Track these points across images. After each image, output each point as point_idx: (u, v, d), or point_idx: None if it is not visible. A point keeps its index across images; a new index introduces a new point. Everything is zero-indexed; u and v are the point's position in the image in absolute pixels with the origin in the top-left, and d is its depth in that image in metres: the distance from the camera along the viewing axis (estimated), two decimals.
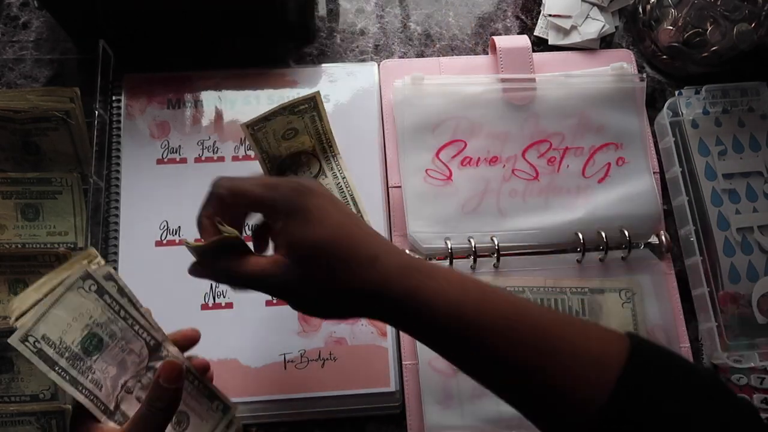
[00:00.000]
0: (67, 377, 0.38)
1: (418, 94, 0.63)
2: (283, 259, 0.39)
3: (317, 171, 0.63)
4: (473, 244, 0.59)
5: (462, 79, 0.65)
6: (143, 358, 0.41)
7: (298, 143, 0.63)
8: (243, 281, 0.40)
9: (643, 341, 0.38)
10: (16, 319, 0.37)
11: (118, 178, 0.62)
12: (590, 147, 0.64)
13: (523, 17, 0.71)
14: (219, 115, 0.65)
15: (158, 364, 0.41)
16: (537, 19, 0.70)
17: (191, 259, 0.60)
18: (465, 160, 0.63)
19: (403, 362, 0.58)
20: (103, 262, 0.39)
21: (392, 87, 0.64)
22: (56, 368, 0.37)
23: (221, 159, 0.63)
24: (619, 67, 0.66)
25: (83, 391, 0.38)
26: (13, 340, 0.36)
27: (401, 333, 0.59)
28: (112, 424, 0.39)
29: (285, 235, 0.39)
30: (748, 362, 0.57)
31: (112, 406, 0.40)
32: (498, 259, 0.59)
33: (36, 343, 0.36)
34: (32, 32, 0.68)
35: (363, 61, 0.68)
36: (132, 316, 0.40)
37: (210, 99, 0.65)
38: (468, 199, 0.62)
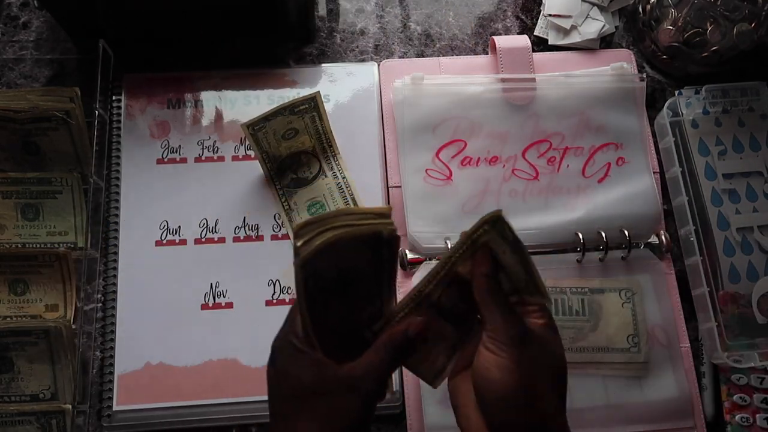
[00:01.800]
0: (310, 305, 0.38)
1: (418, 94, 0.63)
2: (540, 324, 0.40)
3: (317, 171, 0.63)
4: None
5: (462, 79, 0.65)
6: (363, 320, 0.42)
7: (298, 143, 0.63)
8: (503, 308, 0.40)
9: None
10: (303, 244, 0.36)
11: (118, 178, 0.62)
12: (590, 147, 0.64)
13: (523, 17, 0.71)
14: (219, 115, 0.65)
15: (367, 333, 0.42)
16: (537, 19, 0.70)
17: (190, 258, 0.60)
18: (465, 160, 0.63)
19: None
20: (396, 230, 0.39)
21: (392, 87, 0.64)
22: (308, 295, 0.37)
23: (221, 159, 0.63)
24: (619, 67, 0.66)
25: (314, 317, 0.39)
26: (296, 264, 0.36)
27: None
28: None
29: (477, 362, 0.39)
30: (748, 362, 0.57)
31: (326, 341, 0.39)
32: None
33: (308, 271, 0.37)
34: (32, 32, 0.68)
35: (363, 61, 0.68)
36: (383, 282, 0.41)
37: (210, 99, 0.65)
38: (468, 199, 0.62)
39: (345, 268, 0.39)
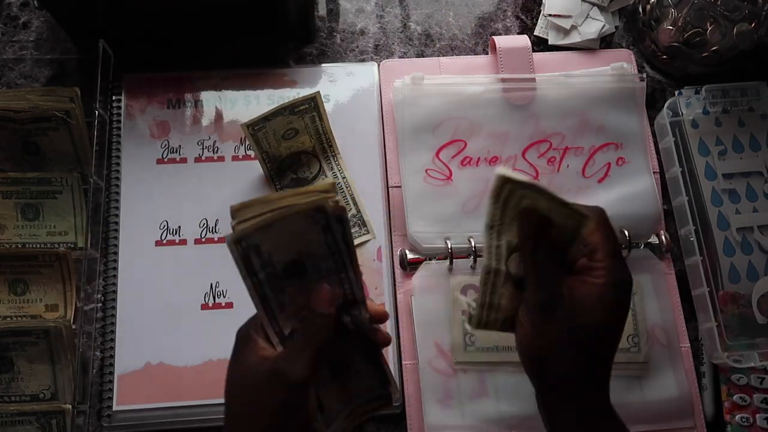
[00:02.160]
0: (259, 290, 0.38)
1: (418, 94, 0.63)
2: (594, 283, 0.41)
3: (317, 171, 0.63)
4: (473, 244, 0.59)
5: (462, 79, 0.65)
6: (299, 304, 0.40)
7: (298, 143, 0.63)
8: (549, 271, 0.41)
9: None
10: (238, 223, 0.36)
11: (118, 178, 0.62)
12: (590, 147, 0.64)
13: (523, 17, 0.71)
14: (219, 115, 0.65)
15: (347, 319, 0.41)
16: (537, 19, 0.70)
17: (190, 258, 0.60)
18: (465, 160, 0.63)
19: (403, 362, 0.58)
20: (341, 202, 0.37)
21: (392, 87, 0.64)
22: (253, 277, 0.37)
23: (221, 159, 0.63)
24: (619, 67, 0.66)
25: (266, 307, 0.38)
26: (228, 239, 0.36)
27: (400, 332, 0.59)
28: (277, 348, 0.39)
29: (613, 272, 0.41)
30: (748, 362, 0.57)
31: (286, 332, 0.39)
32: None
33: (246, 249, 0.36)
34: (32, 32, 0.68)
35: (363, 61, 0.68)
36: (344, 263, 0.39)
37: (210, 99, 0.65)
38: (468, 199, 0.62)
39: (296, 251, 0.38)
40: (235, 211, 0.37)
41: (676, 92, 0.65)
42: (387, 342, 0.43)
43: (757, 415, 0.57)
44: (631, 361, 0.58)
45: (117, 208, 0.61)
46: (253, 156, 0.63)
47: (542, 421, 0.43)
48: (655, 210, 0.62)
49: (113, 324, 0.58)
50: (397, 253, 0.61)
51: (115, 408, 0.56)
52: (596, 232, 0.42)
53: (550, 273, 0.41)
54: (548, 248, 0.41)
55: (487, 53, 0.69)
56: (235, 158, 0.63)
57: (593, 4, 0.69)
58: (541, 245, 0.41)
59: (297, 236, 0.37)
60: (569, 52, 0.68)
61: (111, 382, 0.57)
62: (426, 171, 0.62)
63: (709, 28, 0.64)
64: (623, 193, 0.62)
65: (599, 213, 0.43)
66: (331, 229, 0.37)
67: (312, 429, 0.38)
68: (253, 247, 0.36)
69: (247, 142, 0.63)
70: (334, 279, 0.40)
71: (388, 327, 0.59)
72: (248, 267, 0.37)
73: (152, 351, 0.57)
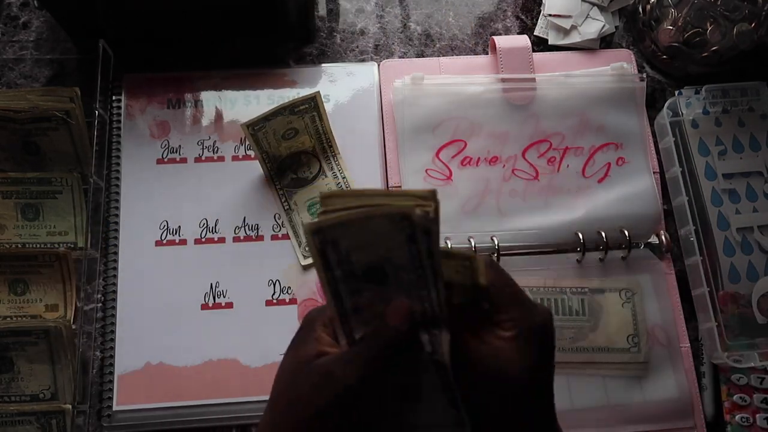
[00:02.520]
0: (332, 286, 0.35)
1: (418, 94, 0.63)
2: (508, 336, 0.36)
3: (317, 171, 0.63)
4: (473, 244, 0.59)
5: (462, 79, 0.65)
6: (375, 312, 0.37)
7: (298, 143, 0.63)
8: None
9: None
10: (323, 212, 0.33)
11: (118, 178, 0.62)
12: (590, 147, 0.64)
13: (523, 17, 0.71)
14: (219, 115, 0.65)
15: (425, 338, 0.37)
16: (537, 19, 0.70)
17: (190, 258, 0.60)
18: (465, 160, 0.63)
19: None
20: (432, 215, 0.34)
21: (392, 87, 0.64)
22: (328, 272, 0.34)
23: (221, 159, 0.63)
24: (619, 67, 0.66)
25: (339, 306, 0.36)
26: (307, 228, 0.33)
27: None
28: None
29: (526, 319, 0.36)
30: (748, 362, 0.57)
31: (356, 335, 0.37)
32: (498, 259, 0.59)
33: (323, 242, 0.33)
34: (32, 32, 0.68)
35: (363, 61, 0.68)
36: (426, 278, 0.35)
37: (210, 99, 0.65)
38: (468, 199, 0.62)
39: (380, 255, 0.35)
40: (324, 199, 0.34)
41: (676, 92, 0.65)
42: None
43: (757, 415, 0.57)
44: (631, 361, 0.58)
45: (117, 208, 0.61)
46: (253, 156, 0.63)
47: None
48: (655, 210, 0.62)
49: (113, 324, 0.58)
50: None
51: (115, 408, 0.56)
52: (488, 274, 0.37)
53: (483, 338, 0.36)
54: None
55: (487, 53, 0.69)
56: (235, 158, 0.63)
57: (593, 4, 0.69)
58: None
59: (381, 240, 0.34)
60: (569, 52, 0.68)
61: (111, 382, 0.57)
62: (426, 171, 0.62)
63: (709, 28, 0.64)
64: (623, 193, 0.62)
65: (486, 257, 0.38)
66: (416, 240, 0.34)
67: None
68: (331, 241, 0.34)
69: (247, 142, 0.63)
70: (414, 294, 0.36)
71: None
72: (324, 261, 0.34)
73: (152, 351, 0.57)
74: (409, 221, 0.33)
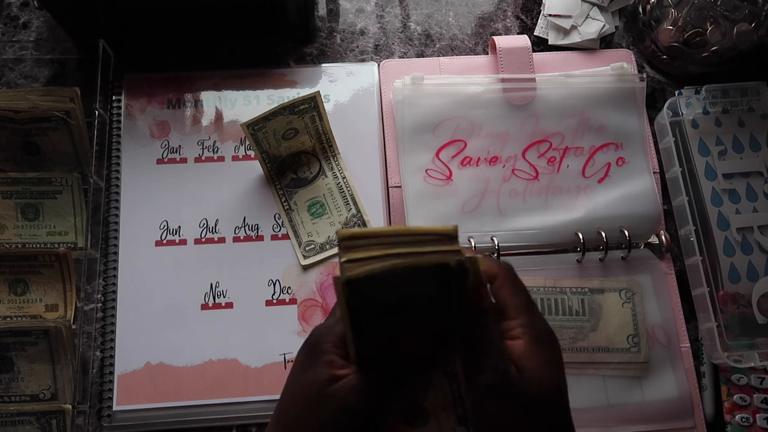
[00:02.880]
0: (353, 319, 0.34)
1: (418, 94, 0.63)
2: (520, 344, 0.35)
3: (317, 171, 0.63)
4: (473, 244, 0.59)
5: (462, 79, 0.65)
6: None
7: (298, 143, 0.63)
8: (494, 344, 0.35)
9: None
10: (348, 261, 0.32)
11: (118, 178, 0.62)
12: (590, 147, 0.64)
13: (523, 17, 0.71)
14: (219, 115, 0.65)
15: (444, 381, 0.37)
16: (537, 19, 0.70)
17: (190, 258, 0.60)
18: (465, 160, 0.63)
19: None
20: (465, 258, 0.33)
21: (392, 87, 0.64)
22: (353, 314, 0.33)
23: (221, 159, 0.63)
24: (619, 67, 0.66)
25: (358, 337, 0.35)
26: (339, 282, 0.31)
27: None
28: None
29: (521, 357, 0.35)
30: (748, 362, 0.57)
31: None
32: (498, 259, 0.59)
33: (354, 293, 0.32)
34: (32, 32, 0.68)
35: (363, 61, 0.68)
36: (451, 307, 0.35)
37: (210, 99, 0.65)
38: (468, 199, 0.62)
39: (402, 296, 0.34)
40: (344, 240, 0.33)
41: (676, 92, 0.65)
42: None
43: (757, 415, 0.57)
44: (631, 361, 0.58)
45: (117, 208, 0.61)
46: (253, 156, 0.63)
47: None
48: (655, 210, 0.62)
49: (113, 324, 0.58)
50: None
51: (115, 408, 0.56)
52: (503, 286, 0.37)
53: (497, 344, 0.35)
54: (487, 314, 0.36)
55: (487, 53, 0.69)
56: (235, 158, 0.63)
57: (593, 4, 0.69)
58: (481, 313, 0.35)
59: (408, 284, 0.33)
60: (569, 52, 0.68)
61: (111, 382, 0.57)
62: (426, 171, 0.62)
63: (709, 28, 0.64)
64: (623, 193, 0.62)
65: (505, 265, 0.37)
66: (449, 284, 0.33)
67: None
68: (360, 292, 0.33)
69: (247, 142, 0.63)
70: (438, 325, 0.36)
71: None
72: (350, 304, 0.33)
73: (152, 351, 0.57)
74: (445, 270, 0.32)
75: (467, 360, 0.36)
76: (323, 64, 0.67)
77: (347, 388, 0.35)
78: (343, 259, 0.32)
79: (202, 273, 0.60)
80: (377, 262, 0.32)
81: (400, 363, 0.36)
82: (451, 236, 0.33)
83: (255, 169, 0.63)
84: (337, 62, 0.68)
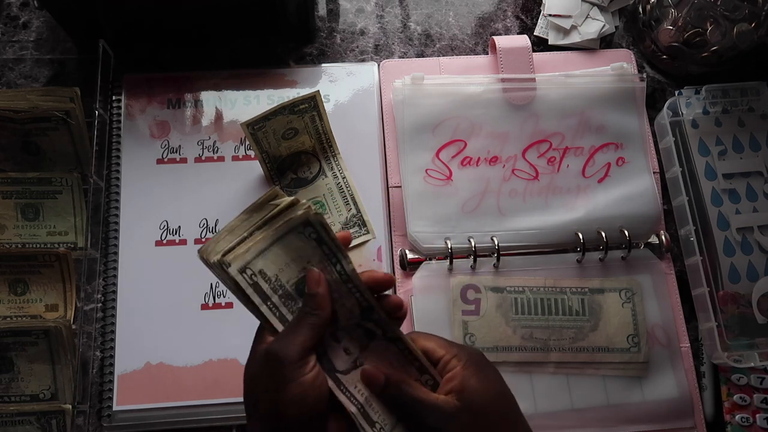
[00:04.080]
0: (277, 313, 0.38)
1: (418, 94, 0.63)
2: (453, 401, 0.39)
3: (317, 171, 0.63)
4: (473, 244, 0.59)
5: (462, 79, 0.65)
6: (355, 315, 0.40)
7: (298, 143, 0.63)
8: (408, 400, 0.39)
9: None
10: (224, 254, 0.36)
11: (118, 178, 0.62)
12: (590, 147, 0.64)
13: (523, 17, 0.71)
14: (219, 115, 0.65)
15: (369, 324, 0.41)
16: (537, 19, 0.70)
17: (190, 258, 0.60)
18: (465, 160, 0.63)
19: None
20: (313, 207, 0.38)
21: (392, 87, 0.64)
22: (268, 303, 0.37)
23: (221, 159, 0.63)
24: (619, 67, 0.66)
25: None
26: (232, 270, 0.36)
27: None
28: None
29: (462, 380, 0.39)
30: (748, 362, 0.57)
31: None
32: (498, 259, 0.59)
33: (253, 276, 0.37)
34: (32, 32, 0.68)
35: (363, 61, 0.68)
36: (346, 271, 0.39)
37: (210, 99, 0.65)
38: (468, 199, 0.62)
39: (301, 268, 0.38)
40: (206, 252, 0.37)
41: (676, 92, 0.65)
42: (403, 315, 0.42)
43: (757, 415, 0.57)
44: (631, 361, 0.58)
45: (117, 208, 0.61)
46: (253, 156, 0.63)
47: None
48: (655, 210, 0.62)
49: (113, 324, 0.58)
50: (397, 253, 0.61)
51: (115, 408, 0.56)
52: (418, 335, 0.43)
53: (425, 396, 0.39)
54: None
55: (487, 53, 0.69)
56: (235, 158, 0.63)
57: (593, 4, 0.69)
58: (400, 380, 0.40)
59: (297, 253, 0.38)
60: (569, 52, 0.68)
61: (111, 382, 0.57)
62: (426, 171, 0.62)
63: (709, 28, 0.64)
64: (623, 193, 0.62)
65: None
66: (323, 240, 0.38)
67: (317, 408, 0.38)
68: (259, 272, 0.37)
69: (247, 142, 0.63)
70: (343, 290, 0.39)
71: None
72: (260, 294, 0.37)
73: (152, 351, 0.57)
74: (311, 226, 0.37)
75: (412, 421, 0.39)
76: (323, 64, 0.67)
77: (271, 342, 0.38)
78: (215, 258, 0.36)
79: (202, 273, 0.59)
80: (253, 242, 0.36)
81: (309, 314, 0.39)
82: (293, 203, 0.37)
83: (255, 169, 0.63)
84: (337, 62, 0.68)
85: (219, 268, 0.37)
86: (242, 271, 0.36)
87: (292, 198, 0.38)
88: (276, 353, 0.37)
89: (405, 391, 0.39)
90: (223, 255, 0.36)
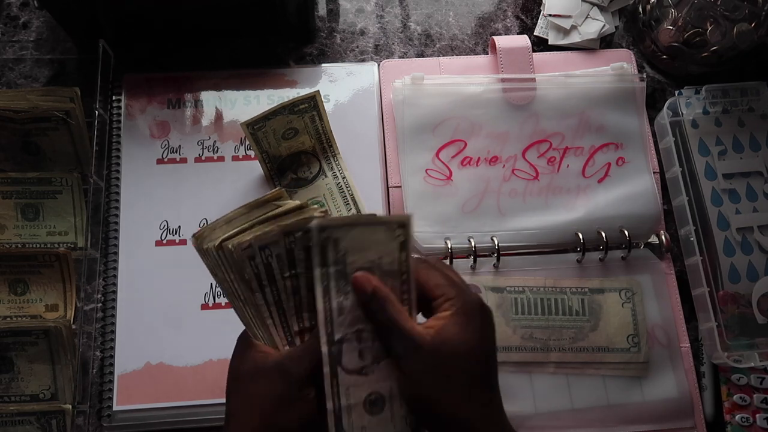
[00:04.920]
0: (326, 284, 0.38)
1: (418, 94, 0.63)
2: (427, 337, 0.38)
3: (317, 171, 0.63)
4: (473, 244, 0.59)
5: (462, 79, 0.65)
6: (357, 316, 0.40)
7: (298, 143, 0.63)
8: (386, 319, 0.38)
9: None
10: (221, 241, 0.37)
11: (118, 178, 0.62)
12: (590, 147, 0.64)
13: (523, 17, 0.71)
14: (219, 115, 0.65)
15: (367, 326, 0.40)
16: (537, 19, 0.70)
17: (190, 258, 0.60)
18: (465, 160, 0.63)
19: None
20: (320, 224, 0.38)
21: (392, 87, 0.64)
22: (324, 269, 0.37)
23: (221, 159, 0.63)
24: (619, 67, 0.66)
25: (326, 302, 0.38)
26: (313, 225, 0.36)
27: None
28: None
29: (445, 323, 0.38)
30: (748, 362, 0.57)
31: (336, 336, 0.39)
32: (498, 259, 0.59)
33: (326, 239, 0.37)
34: (32, 32, 0.68)
35: (363, 61, 0.68)
36: (409, 285, 0.39)
37: (210, 99, 0.65)
38: (468, 199, 0.62)
39: (370, 261, 0.38)
40: (201, 237, 0.39)
41: (676, 92, 0.65)
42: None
43: (757, 415, 0.57)
44: (631, 361, 0.58)
45: (117, 208, 0.61)
46: (253, 156, 0.63)
47: None
48: (655, 210, 0.62)
49: (113, 324, 0.58)
50: None
51: (115, 408, 0.56)
52: (423, 270, 0.40)
53: (403, 320, 0.38)
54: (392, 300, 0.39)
55: (487, 53, 0.69)
56: (235, 158, 0.63)
57: (593, 4, 0.69)
58: (386, 298, 0.38)
59: (376, 245, 0.38)
60: (569, 52, 0.68)
61: (111, 382, 0.57)
62: (426, 171, 0.62)
63: (709, 28, 0.64)
64: (623, 193, 0.62)
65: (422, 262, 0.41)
66: (407, 248, 0.38)
67: (313, 425, 0.39)
68: (333, 240, 0.37)
69: (247, 142, 0.63)
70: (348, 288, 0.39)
71: None
72: (322, 257, 0.37)
73: (152, 351, 0.57)
74: (404, 230, 0.37)
75: (384, 344, 0.39)
76: (323, 64, 0.67)
77: (283, 356, 0.39)
78: (216, 242, 0.37)
79: (202, 273, 0.59)
80: (348, 216, 0.37)
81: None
82: (404, 221, 0.38)
83: (255, 169, 0.63)
84: (337, 62, 0.68)
85: (214, 254, 0.37)
86: (322, 229, 0.36)
87: (298, 202, 0.38)
88: (288, 371, 0.38)
89: (387, 309, 0.38)
90: (222, 241, 0.37)
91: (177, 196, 0.62)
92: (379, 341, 0.39)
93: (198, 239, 0.39)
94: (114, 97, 0.65)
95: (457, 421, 0.37)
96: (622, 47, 0.70)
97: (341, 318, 0.39)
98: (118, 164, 0.63)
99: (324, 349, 0.38)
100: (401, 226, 0.37)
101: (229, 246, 0.37)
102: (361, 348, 0.39)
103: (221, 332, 0.58)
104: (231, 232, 0.38)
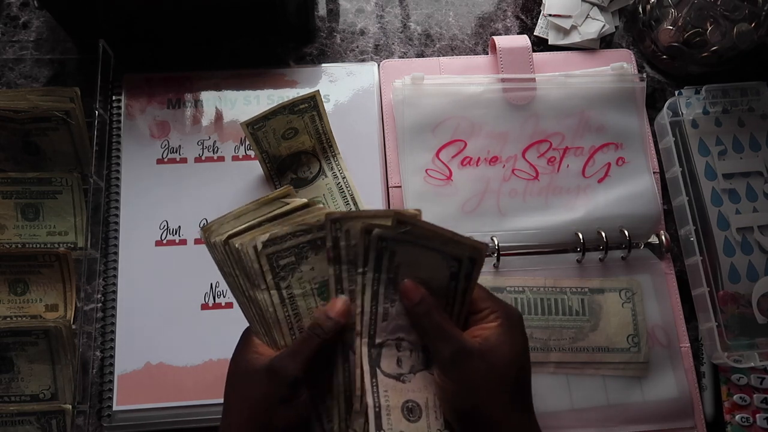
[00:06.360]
0: (375, 288, 0.39)
1: (418, 94, 0.63)
2: (476, 341, 0.40)
3: (317, 171, 0.63)
4: None
5: (462, 79, 0.65)
6: (399, 325, 0.41)
7: (298, 143, 0.63)
8: (434, 324, 0.40)
9: None
10: (398, 222, 0.37)
11: (118, 178, 0.62)
12: (590, 147, 0.64)
13: (523, 17, 0.71)
14: (219, 115, 0.65)
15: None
16: (537, 19, 0.70)
17: (190, 258, 0.60)
18: (465, 160, 0.63)
19: None
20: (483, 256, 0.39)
21: (392, 87, 0.64)
22: (376, 273, 0.39)
23: (221, 159, 0.63)
24: (619, 67, 0.66)
25: (373, 307, 0.39)
26: (375, 232, 0.37)
27: None
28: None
29: (492, 332, 0.40)
30: (748, 362, 0.57)
31: (377, 341, 0.40)
32: (498, 259, 0.59)
33: (383, 249, 0.38)
34: (32, 32, 0.68)
35: (363, 61, 0.68)
36: (453, 308, 0.41)
37: (210, 99, 0.65)
38: (468, 199, 0.62)
39: (418, 276, 0.39)
40: (210, 230, 0.39)
41: (676, 92, 0.65)
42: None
43: (757, 415, 0.57)
44: (631, 361, 0.58)
45: (117, 208, 0.61)
46: (253, 156, 0.63)
47: None
48: (655, 210, 0.62)
49: (113, 324, 0.58)
50: None
51: (115, 408, 0.56)
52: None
53: (450, 327, 0.40)
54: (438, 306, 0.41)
55: (487, 53, 0.69)
56: (235, 158, 0.63)
57: (593, 4, 0.69)
58: (433, 305, 0.40)
59: (428, 265, 0.39)
60: (569, 52, 0.68)
61: (111, 382, 0.57)
62: (426, 171, 0.62)
63: (709, 28, 0.64)
64: (623, 193, 0.62)
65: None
66: (458, 279, 0.39)
67: (303, 425, 0.40)
68: (390, 250, 0.38)
69: (247, 142, 0.63)
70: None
71: None
72: (377, 262, 0.38)
73: (152, 351, 0.57)
74: (458, 261, 0.38)
75: (429, 351, 0.41)
76: (323, 64, 0.67)
77: (269, 357, 0.40)
78: (224, 237, 0.38)
79: (202, 273, 0.60)
80: (415, 230, 0.37)
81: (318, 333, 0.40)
82: (477, 247, 0.38)
83: (255, 169, 0.63)
84: (337, 62, 0.68)
85: (221, 248, 0.38)
86: (381, 238, 0.37)
87: (305, 200, 0.39)
88: (277, 372, 0.39)
89: (434, 314, 0.39)
90: (229, 237, 0.38)
91: (177, 196, 0.62)
92: (422, 350, 0.41)
93: (206, 232, 0.39)
94: (114, 97, 0.65)
95: (502, 428, 0.39)
96: (622, 47, 0.70)
97: (384, 324, 0.40)
98: (118, 164, 0.63)
99: (364, 349, 0.40)
100: (455, 258, 0.38)
101: (236, 244, 0.37)
102: (400, 356, 0.41)
103: (221, 332, 0.58)
104: (239, 228, 0.38)
